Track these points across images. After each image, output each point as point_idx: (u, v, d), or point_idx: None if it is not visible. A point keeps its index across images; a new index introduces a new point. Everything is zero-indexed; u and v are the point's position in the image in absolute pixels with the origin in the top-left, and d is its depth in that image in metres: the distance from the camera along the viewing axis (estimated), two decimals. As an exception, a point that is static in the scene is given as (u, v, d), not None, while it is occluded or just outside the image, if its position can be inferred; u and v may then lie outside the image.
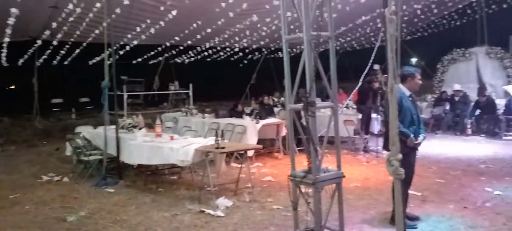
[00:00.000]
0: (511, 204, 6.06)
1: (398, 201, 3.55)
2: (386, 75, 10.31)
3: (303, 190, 3.85)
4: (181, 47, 12.96)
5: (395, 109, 3.34)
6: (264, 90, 14.61)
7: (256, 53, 16.54)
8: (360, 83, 8.84)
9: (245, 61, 16.57)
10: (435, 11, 15.71)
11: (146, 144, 7.43)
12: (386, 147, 9.59)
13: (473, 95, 13.84)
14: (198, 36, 11.02)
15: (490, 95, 12.88)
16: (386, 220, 5.48)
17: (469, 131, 12.64)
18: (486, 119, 12.47)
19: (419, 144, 5.12)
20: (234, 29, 11.19)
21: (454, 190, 6.95)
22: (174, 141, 7.41)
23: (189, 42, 11.97)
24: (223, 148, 6.36)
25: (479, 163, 8.88)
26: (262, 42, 14.02)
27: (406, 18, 14.92)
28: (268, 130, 9.98)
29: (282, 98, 13.43)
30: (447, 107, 13.58)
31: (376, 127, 11.11)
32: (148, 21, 9.80)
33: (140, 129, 8.61)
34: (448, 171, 8.27)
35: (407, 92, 5.21)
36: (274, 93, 15.07)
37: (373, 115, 10.86)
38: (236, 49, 14.17)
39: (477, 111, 12.81)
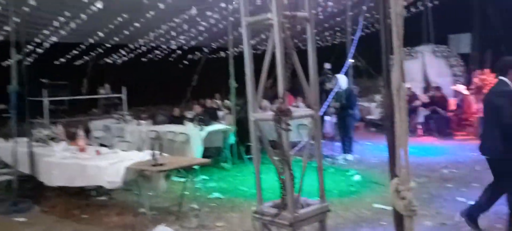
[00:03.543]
0: (490, 216, 5.40)
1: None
2: (334, 75, 9.45)
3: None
4: (108, 45, 11.35)
5: (405, 118, 2.44)
6: (207, 93, 13.49)
7: (197, 52, 15.28)
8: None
9: (186, 62, 15.23)
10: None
11: (66, 161, 6.08)
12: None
13: (419, 95, 13.60)
14: (126, 32, 9.60)
15: (443, 93, 12.60)
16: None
17: (420, 132, 12.29)
18: (436, 118, 12.16)
19: None
20: (170, 24, 9.91)
21: (425, 201, 6.24)
22: (101, 156, 6.13)
23: (116, 39, 10.48)
24: (162, 164, 5.19)
25: (440, 167, 8.33)
26: (201, 38, 12.77)
27: (351, 13, 14.41)
28: (214, 137, 8.89)
29: (227, 101, 12.38)
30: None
31: (329, 130, 10.39)
32: (68, 13, 8.33)
33: (60, 141, 7.19)
34: (412, 178, 7.60)
35: None
36: (215, 95, 13.98)
37: (327, 118, 10.12)
38: (174, 47, 12.76)
39: (426, 111, 12.51)
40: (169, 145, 8.39)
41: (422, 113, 12.61)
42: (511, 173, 4.55)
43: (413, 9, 15.36)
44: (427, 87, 14.69)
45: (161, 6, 8.14)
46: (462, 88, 11.84)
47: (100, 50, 11.95)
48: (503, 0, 15.22)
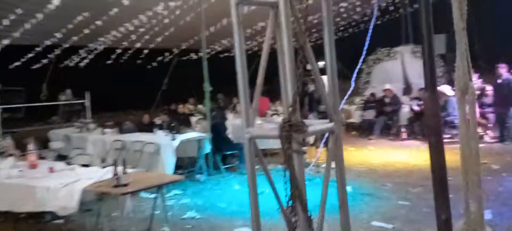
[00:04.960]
0: (509, 234, 4.78)
1: None
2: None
3: None
4: (66, 46, 10.16)
5: (475, 133, 1.73)
6: (179, 97, 12.61)
7: (166, 54, 14.29)
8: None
9: (155, 64, 14.21)
10: (358, 9, 14.87)
11: (11, 182, 5.11)
12: None
13: (399, 96, 13.13)
14: (86, 31, 8.56)
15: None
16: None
17: (404, 135, 11.75)
18: (420, 120, 11.64)
19: None
20: (135, 22, 8.93)
21: (427, 216, 5.57)
22: (55, 174, 5.20)
23: (75, 38, 9.38)
24: (126, 185, 4.32)
25: (434, 174, 7.70)
26: (169, 37, 11.86)
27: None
28: (187, 147, 8.03)
29: (200, 106, 11.53)
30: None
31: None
32: (19, 11, 7.30)
33: (9, 156, 6.19)
34: (407, 187, 6.98)
35: None
36: (189, 100, 13.11)
37: (309, 123, 9.39)
38: (138, 46, 11.69)
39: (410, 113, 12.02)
40: (136, 157, 7.50)
41: (406, 115, 12.09)
42: None
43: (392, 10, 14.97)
44: (407, 89, 14.26)
45: (126, 2, 7.23)
46: (447, 89, 11.34)
47: (58, 51, 10.77)
48: (478, 1, 15.02)
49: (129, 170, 4.63)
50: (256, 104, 2.01)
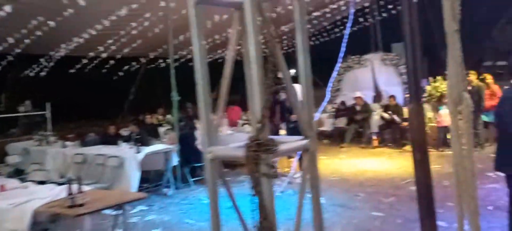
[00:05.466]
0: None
1: None
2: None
3: None
4: (18, 50, 9.47)
5: (470, 144, 1.53)
6: (147, 107, 12.18)
7: (134, 63, 13.81)
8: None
9: (121, 73, 13.68)
10: (328, 15, 14.84)
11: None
12: None
13: (369, 103, 13.15)
14: (39, 33, 7.98)
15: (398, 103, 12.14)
16: None
17: (375, 143, 11.72)
18: (391, 128, 11.64)
19: None
20: (98, 27, 8.46)
21: (401, 228, 5.47)
22: (6, 193, 4.76)
23: (32, 45, 8.76)
24: (82, 205, 3.96)
25: (406, 184, 7.61)
26: (139, 50, 11.47)
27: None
28: (154, 159, 7.67)
29: (169, 116, 11.15)
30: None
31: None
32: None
33: (-44, 174, 5.70)
34: (379, 197, 6.84)
35: None
36: (158, 110, 12.67)
37: (281, 132, 9.18)
38: (104, 56, 11.16)
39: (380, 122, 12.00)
40: (99, 171, 7.11)
41: (377, 123, 12.06)
42: None
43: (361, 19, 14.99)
44: (377, 96, 14.29)
45: (81, 2, 6.79)
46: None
47: (8, 57, 10.03)
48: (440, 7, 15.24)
49: (86, 188, 4.27)
50: (219, 118, 1.75)
